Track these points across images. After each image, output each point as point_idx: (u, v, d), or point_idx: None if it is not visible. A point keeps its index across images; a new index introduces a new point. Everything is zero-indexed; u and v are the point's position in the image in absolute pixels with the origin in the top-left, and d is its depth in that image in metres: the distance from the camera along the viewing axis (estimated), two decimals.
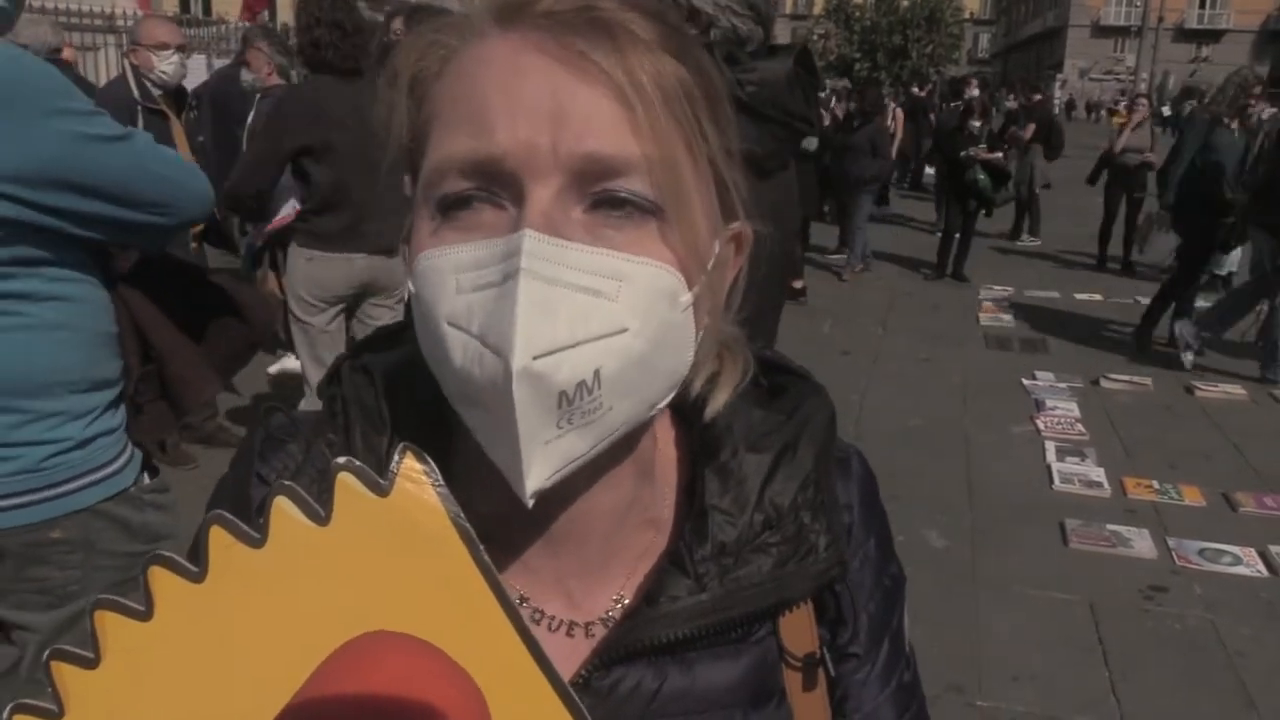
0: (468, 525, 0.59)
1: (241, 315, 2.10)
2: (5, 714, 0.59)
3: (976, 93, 11.34)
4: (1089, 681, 3.61)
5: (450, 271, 0.60)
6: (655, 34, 0.62)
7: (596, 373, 0.58)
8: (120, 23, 9.81)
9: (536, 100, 0.59)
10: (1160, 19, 49.17)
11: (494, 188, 0.60)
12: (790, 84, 2.56)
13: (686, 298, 0.63)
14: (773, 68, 2.53)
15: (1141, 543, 4.65)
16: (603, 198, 0.60)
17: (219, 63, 8.51)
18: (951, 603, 4.06)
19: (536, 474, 0.59)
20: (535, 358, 0.56)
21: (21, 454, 1.71)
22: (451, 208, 0.61)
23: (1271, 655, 3.78)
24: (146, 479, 1.91)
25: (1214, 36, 60.58)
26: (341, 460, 0.59)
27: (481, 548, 0.59)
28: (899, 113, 14.57)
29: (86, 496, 1.79)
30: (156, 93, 4.93)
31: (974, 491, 5.24)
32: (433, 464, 0.59)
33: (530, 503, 0.60)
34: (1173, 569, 4.44)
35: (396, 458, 0.59)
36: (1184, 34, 59.80)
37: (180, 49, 5.15)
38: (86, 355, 1.79)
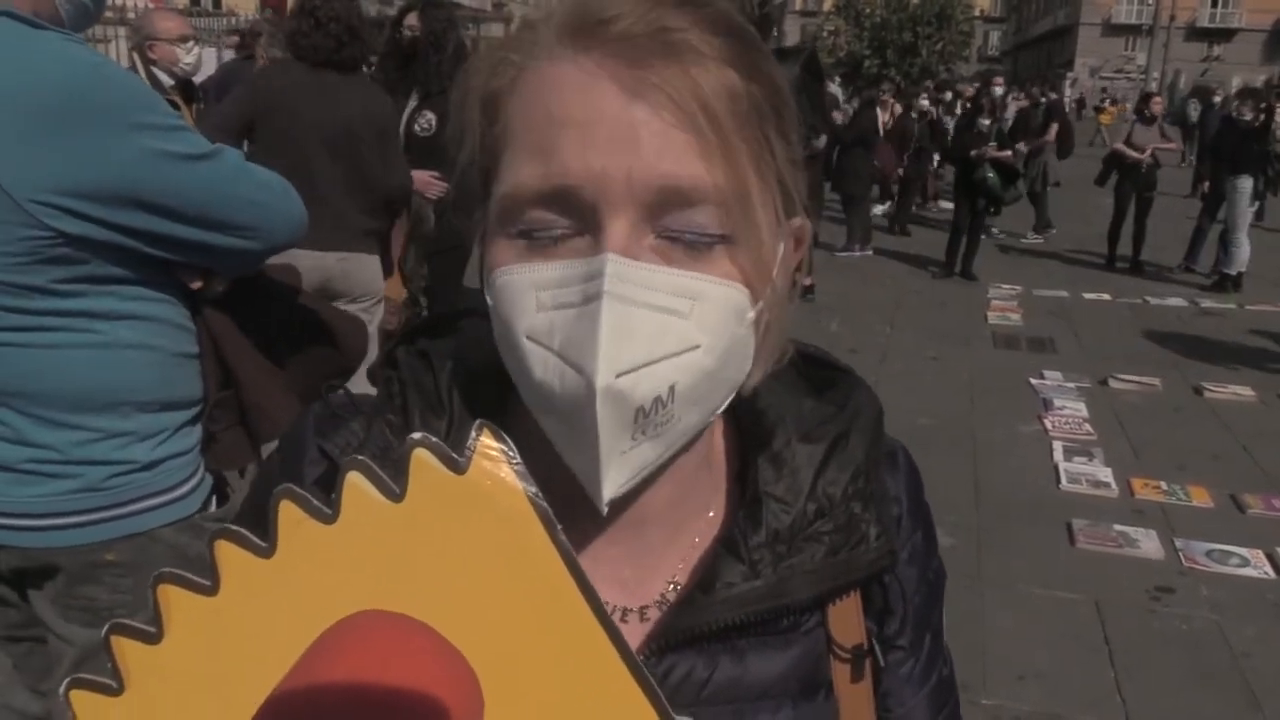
0: (546, 505, 0.58)
1: (332, 340, 2.03)
2: (63, 689, 0.58)
3: (1000, 90, 11.18)
4: (1094, 681, 3.61)
5: (531, 289, 0.62)
6: (727, 51, 0.63)
7: (672, 388, 0.61)
8: (131, 15, 9.83)
9: (611, 130, 0.60)
10: (1172, 17, 48.92)
11: (570, 216, 0.62)
12: (796, 90, 2.56)
13: (752, 314, 0.65)
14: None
15: (1148, 543, 4.64)
16: (676, 231, 0.62)
17: (229, 55, 8.54)
18: (957, 601, 4.04)
19: (612, 482, 0.62)
20: (618, 375, 0.59)
21: (84, 472, 1.66)
22: (529, 233, 0.63)
23: (1278, 657, 3.78)
24: (215, 505, 1.85)
25: (1226, 35, 60.31)
26: (417, 436, 0.58)
27: (559, 528, 0.58)
28: (896, 108, 14.53)
29: (147, 520, 1.73)
30: (168, 84, 4.95)
31: (980, 490, 5.23)
32: (510, 442, 0.58)
33: (605, 510, 0.63)
34: (1180, 570, 4.44)
35: (474, 434, 0.58)
36: (1195, 33, 59.52)
37: (195, 40, 5.19)
38: (160, 376, 1.72)
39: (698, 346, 0.62)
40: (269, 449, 1.50)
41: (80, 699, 0.58)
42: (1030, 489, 5.28)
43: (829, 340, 7.92)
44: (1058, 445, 5.87)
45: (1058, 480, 5.39)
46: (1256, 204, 10.46)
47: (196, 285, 1.77)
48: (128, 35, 9.68)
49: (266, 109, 3.92)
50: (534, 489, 0.58)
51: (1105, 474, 5.45)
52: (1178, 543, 4.65)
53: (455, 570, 0.58)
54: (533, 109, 0.63)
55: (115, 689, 0.58)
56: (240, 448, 1.91)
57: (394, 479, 0.57)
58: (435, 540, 0.58)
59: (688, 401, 0.63)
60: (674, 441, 0.64)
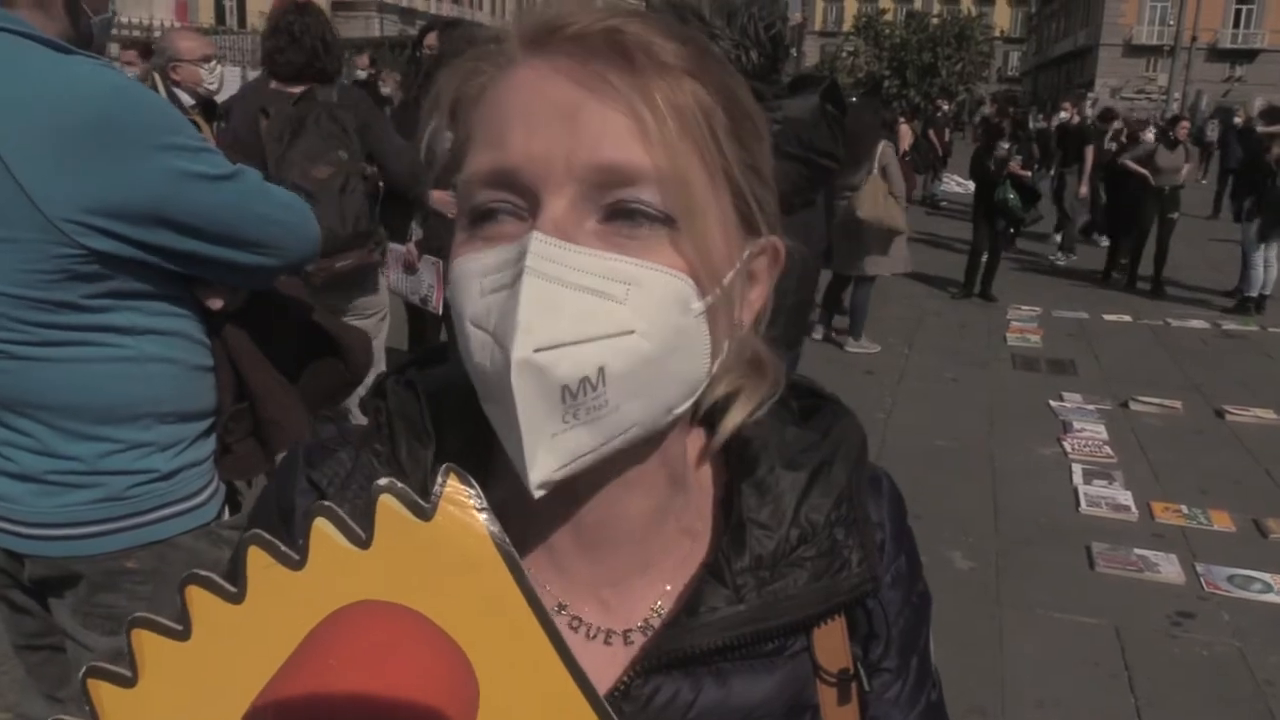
0: (512, 550, 0.59)
1: (341, 354, 2.06)
2: None
3: (988, 111, 11.17)
4: (1114, 707, 3.57)
5: (476, 276, 0.64)
6: (677, 56, 0.65)
7: (601, 370, 0.61)
8: (158, 34, 9.96)
9: (552, 116, 0.62)
10: (1194, 38, 48.73)
11: (514, 198, 0.63)
12: (815, 120, 2.54)
13: (698, 305, 0.65)
14: (798, 105, 2.52)
15: (1169, 568, 4.59)
16: (616, 209, 0.63)
17: (253, 74, 8.61)
18: (975, 625, 4.03)
19: (542, 465, 0.61)
20: (536, 350, 0.59)
21: (106, 482, 1.70)
22: (479, 219, 0.65)
23: None
24: (227, 513, 1.89)
25: (1248, 56, 60.00)
26: (383, 482, 0.59)
27: (526, 572, 0.59)
28: (905, 129, 14.52)
29: (167, 528, 1.77)
30: (189, 103, 5.00)
31: (999, 513, 5.20)
32: (476, 486, 0.59)
33: (537, 494, 0.62)
34: (1201, 595, 4.39)
35: (440, 479, 0.59)
36: (1217, 53, 59.23)
37: (217, 60, 5.25)
38: (179, 388, 1.76)
39: (632, 332, 0.62)
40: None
41: None
42: (1049, 512, 5.24)
43: (847, 361, 7.91)
44: (1077, 468, 5.82)
45: (1077, 503, 5.34)
46: (1256, 223, 10.25)
47: (217, 306, 1.80)
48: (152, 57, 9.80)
49: (233, 124, 4.05)
50: (500, 533, 0.59)
51: (1125, 497, 5.40)
52: (1199, 567, 4.61)
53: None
54: (491, 111, 0.65)
55: None
56: (254, 458, 1.94)
57: (363, 523, 0.58)
58: (401, 586, 0.58)
59: (625, 389, 0.62)
60: (615, 432, 0.64)
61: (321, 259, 3.72)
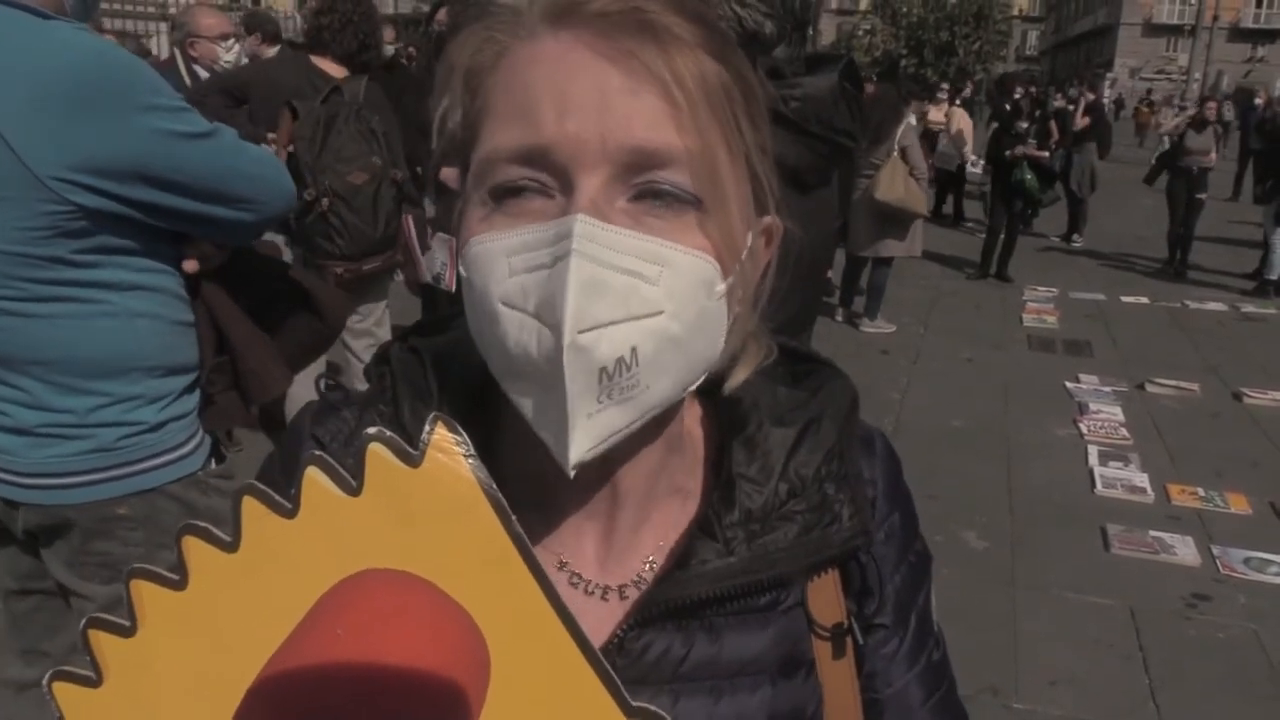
0: (499, 495, 0.59)
1: (317, 310, 2.14)
2: (45, 681, 0.61)
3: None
4: (1128, 688, 3.58)
5: (503, 255, 0.63)
6: (698, 36, 0.65)
7: (634, 350, 0.62)
8: (173, 10, 9.96)
9: (585, 95, 0.62)
10: (1215, 18, 48.21)
11: (543, 177, 0.63)
12: (835, 98, 2.53)
13: (721, 286, 0.66)
14: (817, 83, 2.50)
15: (1185, 550, 4.58)
16: (646, 189, 0.63)
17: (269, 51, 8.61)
18: (989, 604, 4.03)
19: (579, 445, 0.62)
20: (580, 332, 0.59)
21: (97, 434, 1.78)
22: (503, 196, 0.64)
23: None
24: (213, 465, 1.98)
25: (1270, 36, 59.30)
26: (372, 431, 0.60)
27: (513, 517, 0.59)
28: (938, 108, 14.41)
29: (155, 477, 1.85)
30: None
31: (1014, 494, 5.19)
32: (464, 434, 0.60)
33: (572, 474, 0.63)
34: (1216, 577, 4.38)
35: (428, 428, 0.59)
36: (1239, 33, 58.59)
37: (236, 38, 5.28)
38: (164, 343, 1.84)
39: (662, 312, 0.63)
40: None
41: (62, 690, 0.61)
42: (1065, 493, 5.23)
43: (862, 341, 7.90)
44: (1093, 449, 5.81)
45: (1093, 485, 5.33)
46: (1277, 204, 10.15)
47: (191, 268, 1.87)
48: (169, 31, 9.82)
49: (246, 83, 4.13)
50: (487, 479, 0.59)
51: (1141, 479, 5.38)
52: (1215, 550, 4.60)
53: (411, 561, 0.59)
54: (513, 82, 0.65)
55: (94, 681, 0.60)
56: (234, 409, 2.03)
57: (354, 473, 0.59)
58: (391, 532, 0.59)
59: (654, 368, 0.63)
60: (643, 411, 0.65)
61: (349, 262, 3.82)
